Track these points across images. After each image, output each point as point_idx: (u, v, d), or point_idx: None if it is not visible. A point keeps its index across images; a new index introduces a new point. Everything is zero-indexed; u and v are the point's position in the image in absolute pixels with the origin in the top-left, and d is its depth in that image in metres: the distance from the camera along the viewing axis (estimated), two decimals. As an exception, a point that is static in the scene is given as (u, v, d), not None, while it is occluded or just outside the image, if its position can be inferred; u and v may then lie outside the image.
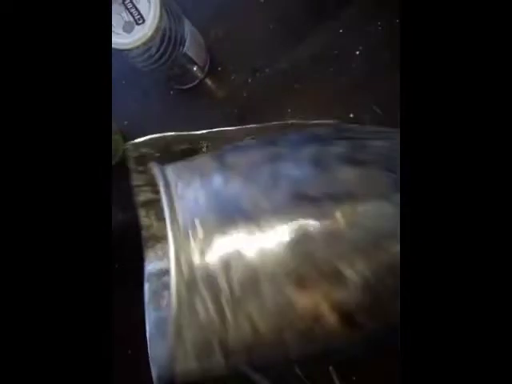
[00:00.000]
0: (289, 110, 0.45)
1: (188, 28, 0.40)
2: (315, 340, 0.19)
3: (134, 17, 0.33)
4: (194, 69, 0.45)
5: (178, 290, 0.18)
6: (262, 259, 0.18)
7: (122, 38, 0.34)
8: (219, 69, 0.48)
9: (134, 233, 0.48)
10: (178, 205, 0.19)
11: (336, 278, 0.18)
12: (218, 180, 0.21)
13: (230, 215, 0.19)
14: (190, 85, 0.47)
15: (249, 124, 0.45)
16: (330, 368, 0.41)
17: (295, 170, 0.19)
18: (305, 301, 0.18)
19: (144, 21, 0.33)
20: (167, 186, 0.20)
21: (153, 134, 0.48)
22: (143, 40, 0.34)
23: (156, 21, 0.33)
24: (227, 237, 0.18)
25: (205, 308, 0.18)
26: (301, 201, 0.18)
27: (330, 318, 0.18)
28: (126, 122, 0.49)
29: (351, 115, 0.44)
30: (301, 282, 0.18)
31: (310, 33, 0.46)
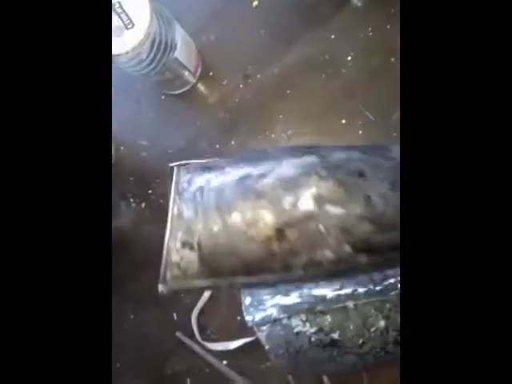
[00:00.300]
0: (280, 116, 0.45)
1: (179, 33, 0.39)
2: (253, 240, 0.26)
3: (123, 21, 0.33)
4: (186, 74, 0.44)
5: (173, 202, 0.28)
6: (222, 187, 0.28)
7: (112, 43, 0.34)
8: (211, 74, 0.48)
9: (128, 239, 0.48)
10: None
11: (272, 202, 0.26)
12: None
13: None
14: (182, 90, 0.47)
15: (240, 129, 0.46)
16: (324, 378, 0.41)
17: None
18: (248, 211, 0.26)
19: (133, 25, 0.33)
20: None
21: (145, 139, 0.48)
22: (133, 45, 0.34)
23: (146, 25, 0.33)
24: (203, 176, 0.29)
25: (188, 213, 0.27)
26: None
27: (261, 223, 0.26)
28: (117, 128, 0.49)
29: (343, 121, 0.44)
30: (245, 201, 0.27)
31: (302, 38, 0.46)
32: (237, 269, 0.26)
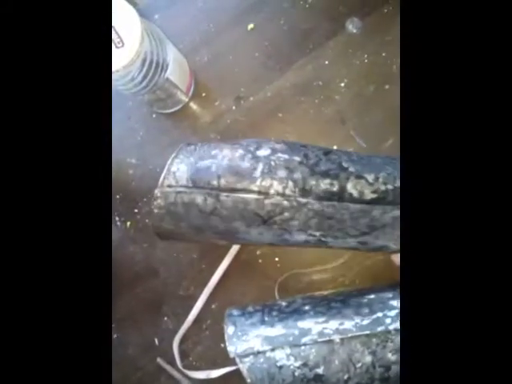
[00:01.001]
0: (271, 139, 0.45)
1: (172, 53, 0.39)
2: (227, 162, 0.33)
3: (114, 41, 0.33)
4: (177, 93, 0.44)
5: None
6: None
7: (102, 61, 0.33)
8: (203, 95, 0.47)
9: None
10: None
11: (242, 145, 0.35)
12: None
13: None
14: (173, 109, 0.46)
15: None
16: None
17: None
18: (225, 146, 0.35)
19: (123, 44, 0.32)
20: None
21: (133, 156, 0.48)
22: (122, 64, 0.33)
23: (136, 44, 0.33)
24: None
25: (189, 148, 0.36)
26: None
27: (235, 152, 0.34)
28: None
29: (335, 147, 0.43)
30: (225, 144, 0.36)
31: (296, 63, 0.46)
32: (213, 184, 0.32)
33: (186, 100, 0.47)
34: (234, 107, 0.46)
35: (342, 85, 0.44)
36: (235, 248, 0.44)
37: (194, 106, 0.47)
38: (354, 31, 0.45)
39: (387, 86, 0.44)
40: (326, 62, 0.45)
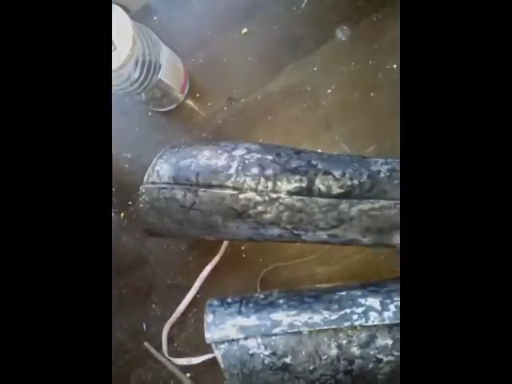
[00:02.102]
0: (260, 140, 0.47)
1: (165, 55, 0.41)
2: (207, 161, 0.37)
3: (108, 44, 0.35)
4: (171, 94, 0.46)
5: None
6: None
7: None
8: (197, 95, 0.49)
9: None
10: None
11: (221, 146, 0.38)
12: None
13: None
14: (168, 108, 0.49)
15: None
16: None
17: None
18: (206, 147, 0.38)
19: (115, 48, 0.35)
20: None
21: (129, 152, 0.50)
22: (114, 67, 0.35)
23: (128, 48, 0.35)
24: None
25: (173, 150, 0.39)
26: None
27: (214, 151, 0.37)
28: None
29: (319, 150, 0.45)
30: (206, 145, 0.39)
31: (286, 68, 0.47)
32: (192, 180, 0.35)
33: (181, 99, 0.49)
34: (225, 108, 0.48)
35: (329, 91, 0.46)
36: (225, 245, 0.46)
37: (188, 105, 0.50)
38: (343, 39, 0.47)
39: (372, 94, 0.45)
40: (315, 68, 0.47)
